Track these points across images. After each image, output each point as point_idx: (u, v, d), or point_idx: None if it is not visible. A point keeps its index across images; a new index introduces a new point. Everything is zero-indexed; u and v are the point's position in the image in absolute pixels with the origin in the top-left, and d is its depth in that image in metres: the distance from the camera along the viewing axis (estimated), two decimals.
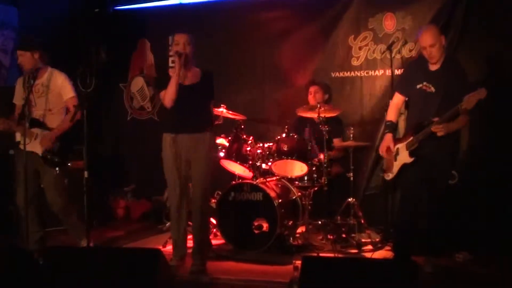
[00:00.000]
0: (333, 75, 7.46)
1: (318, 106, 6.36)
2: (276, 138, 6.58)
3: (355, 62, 7.30)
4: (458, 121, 5.13)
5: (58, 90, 5.88)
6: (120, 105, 8.81)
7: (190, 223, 5.75)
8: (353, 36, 7.32)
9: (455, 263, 5.70)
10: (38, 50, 5.86)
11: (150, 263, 3.75)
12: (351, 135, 6.65)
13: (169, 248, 6.27)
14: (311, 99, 7.09)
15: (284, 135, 6.55)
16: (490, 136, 6.49)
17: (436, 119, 5.12)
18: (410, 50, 6.95)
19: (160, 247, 6.27)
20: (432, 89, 5.28)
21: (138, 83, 8.75)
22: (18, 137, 5.87)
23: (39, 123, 5.84)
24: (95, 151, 6.00)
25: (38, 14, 7.53)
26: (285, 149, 6.42)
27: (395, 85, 6.02)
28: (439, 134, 5.08)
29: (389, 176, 5.63)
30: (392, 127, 5.65)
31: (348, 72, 7.36)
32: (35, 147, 5.82)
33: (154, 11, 8.49)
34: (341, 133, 7.00)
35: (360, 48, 7.26)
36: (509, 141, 6.37)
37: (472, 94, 4.84)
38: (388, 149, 5.56)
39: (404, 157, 5.40)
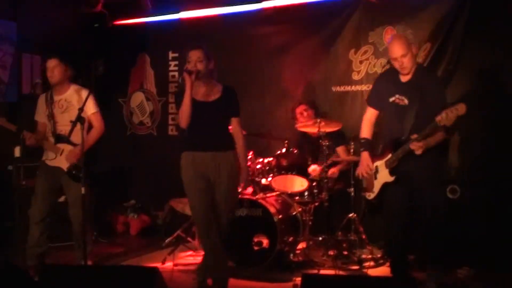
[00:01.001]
0: (333, 90, 7.41)
1: (318, 121, 6.30)
2: (276, 153, 6.54)
3: (355, 76, 7.26)
4: (435, 136, 4.91)
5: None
6: (119, 120, 8.79)
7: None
8: (353, 50, 7.28)
9: (457, 279, 5.62)
10: (71, 67, 5.93)
11: (147, 282, 3.69)
12: (352, 150, 6.60)
13: (168, 265, 6.25)
14: (303, 119, 6.91)
15: (284, 150, 6.52)
16: (491, 149, 6.41)
17: (414, 136, 4.88)
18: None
19: (160, 264, 6.23)
20: (406, 101, 5.06)
21: (137, 98, 8.74)
22: (46, 153, 5.91)
23: (64, 139, 5.80)
24: (94, 166, 5.92)
25: (37, 28, 7.52)
26: (285, 164, 6.38)
27: (367, 99, 5.69)
28: (417, 152, 4.86)
29: (370, 195, 5.37)
30: (368, 144, 5.38)
31: (349, 86, 7.32)
32: (61, 162, 5.81)
33: (154, 26, 8.46)
34: (345, 142, 6.91)
35: (360, 62, 7.22)
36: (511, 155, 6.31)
37: (450, 109, 4.59)
38: (368, 168, 5.30)
39: (384, 176, 5.17)
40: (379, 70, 7.07)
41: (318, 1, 7.47)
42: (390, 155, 5.11)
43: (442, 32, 6.65)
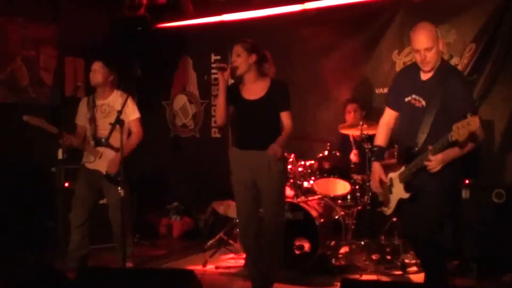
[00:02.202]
0: (377, 91, 7.31)
1: (361, 123, 6.22)
2: (318, 156, 6.48)
3: None
4: (451, 152, 4.19)
5: (123, 110, 5.83)
6: (163, 122, 8.85)
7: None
8: (397, 51, 7.15)
9: (503, 285, 5.47)
10: (115, 71, 6.00)
11: (183, 285, 3.67)
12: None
13: (210, 267, 6.23)
14: (350, 118, 6.89)
15: (326, 152, 6.45)
16: None
17: (430, 147, 4.21)
18: (456, 65, 6.74)
19: (200, 266, 6.23)
20: (423, 103, 4.41)
21: (180, 100, 8.77)
22: (85, 155, 5.99)
23: (104, 142, 5.87)
24: (135, 169, 5.96)
25: (80, 32, 7.61)
26: (327, 167, 6.32)
27: (385, 98, 5.18)
28: (432, 170, 4.23)
29: (388, 211, 4.77)
30: (381, 153, 4.79)
31: None
32: (100, 165, 5.87)
33: (196, 28, 8.48)
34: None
35: (404, 64, 7.08)
36: None
37: (461, 123, 3.87)
38: (381, 181, 4.70)
39: (399, 191, 4.54)
40: None
41: (361, 2, 7.36)
42: (403, 168, 4.50)
43: (487, 33, 6.51)
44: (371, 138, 6.31)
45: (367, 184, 6.21)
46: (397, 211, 4.67)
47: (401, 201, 4.55)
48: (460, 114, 3.94)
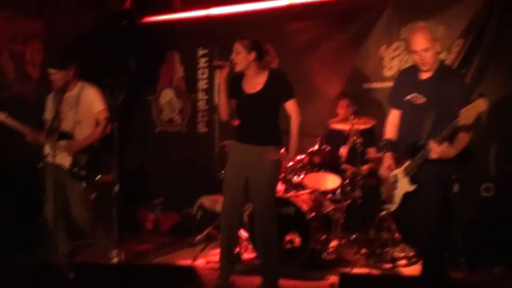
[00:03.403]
0: (364, 86, 7.34)
1: (352, 118, 6.25)
2: (308, 151, 6.49)
3: (387, 73, 7.17)
4: (457, 144, 4.44)
5: (89, 102, 5.83)
6: (148, 117, 8.79)
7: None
8: (385, 46, 7.20)
9: (492, 277, 5.53)
10: (72, 66, 5.85)
11: (183, 281, 3.67)
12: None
13: (200, 262, 6.22)
14: (343, 113, 6.92)
15: (316, 147, 6.46)
16: None
17: (436, 139, 4.40)
18: (444, 60, 6.77)
19: (190, 261, 6.21)
20: (422, 100, 4.61)
21: (167, 95, 8.73)
22: (47, 150, 5.84)
23: (68, 136, 5.79)
24: (123, 164, 5.92)
25: (65, 26, 7.52)
26: (318, 161, 6.33)
27: (388, 98, 5.35)
28: (433, 156, 4.39)
29: (392, 207, 4.90)
30: (391, 146, 4.92)
31: (380, 83, 7.23)
32: (63, 159, 5.76)
33: (183, 23, 8.43)
34: (375, 143, 6.85)
35: (392, 59, 7.13)
36: None
37: (471, 106, 4.13)
38: (388, 168, 4.88)
39: (404, 185, 4.70)
40: None
41: None
42: (408, 162, 4.66)
43: (475, 28, 6.54)
44: (361, 132, 6.37)
45: (358, 178, 6.25)
46: (402, 206, 4.77)
47: (406, 195, 4.68)
48: (459, 110, 4.16)
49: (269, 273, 5.25)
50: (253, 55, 5.09)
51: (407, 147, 4.70)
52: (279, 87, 5.15)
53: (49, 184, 5.76)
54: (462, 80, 4.80)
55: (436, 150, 4.37)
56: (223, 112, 5.20)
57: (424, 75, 4.67)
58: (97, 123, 5.90)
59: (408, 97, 4.70)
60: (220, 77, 5.09)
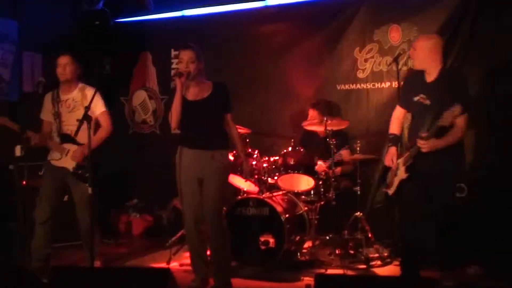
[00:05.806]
0: (338, 88, 7.35)
1: (325, 119, 6.26)
2: (282, 152, 6.50)
3: (360, 75, 7.20)
4: (445, 138, 4.97)
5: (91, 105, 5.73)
6: (121, 119, 8.69)
7: None
8: (358, 48, 7.22)
9: (467, 277, 5.59)
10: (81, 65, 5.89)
11: (159, 284, 3.64)
12: (358, 148, 6.56)
13: (173, 264, 6.19)
14: (314, 115, 6.90)
15: (290, 148, 6.47)
16: (499, 146, 6.34)
17: (424, 134, 4.97)
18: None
19: (164, 264, 6.18)
20: (428, 101, 5.13)
21: (140, 96, 8.68)
22: (52, 153, 5.85)
23: (70, 139, 5.72)
24: (96, 166, 5.85)
25: (38, 26, 7.45)
26: (292, 163, 6.35)
27: (398, 99, 5.77)
28: (422, 150, 4.98)
29: (391, 190, 5.51)
30: (396, 140, 5.52)
31: (354, 85, 7.25)
32: (66, 162, 5.73)
33: (156, 23, 8.41)
34: (347, 143, 6.86)
35: (365, 60, 7.16)
36: None
37: (448, 111, 4.69)
38: (391, 161, 5.45)
39: (401, 173, 5.31)
40: (384, 68, 7.03)
41: None
42: (407, 153, 5.22)
43: (449, 30, 6.55)
44: (335, 133, 6.39)
45: (331, 180, 6.27)
46: (397, 191, 5.42)
47: (401, 182, 5.30)
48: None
49: (220, 272, 5.35)
50: (202, 63, 5.26)
51: (410, 141, 5.27)
52: (225, 98, 5.38)
53: (48, 185, 5.78)
54: (461, 81, 5.17)
55: (424, 145, 4.94)
56: (176, 119, 5.22)
57: (429, 78, 5.20)
58: (98, 125, 5.87)
59: (416, 98, 5.22)
60: (178, 85, 5.17)
